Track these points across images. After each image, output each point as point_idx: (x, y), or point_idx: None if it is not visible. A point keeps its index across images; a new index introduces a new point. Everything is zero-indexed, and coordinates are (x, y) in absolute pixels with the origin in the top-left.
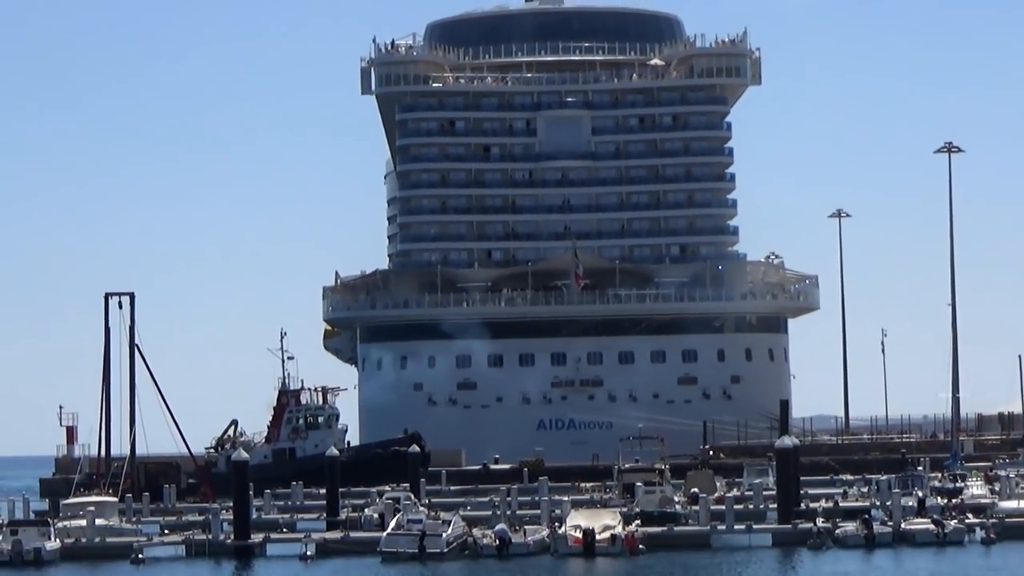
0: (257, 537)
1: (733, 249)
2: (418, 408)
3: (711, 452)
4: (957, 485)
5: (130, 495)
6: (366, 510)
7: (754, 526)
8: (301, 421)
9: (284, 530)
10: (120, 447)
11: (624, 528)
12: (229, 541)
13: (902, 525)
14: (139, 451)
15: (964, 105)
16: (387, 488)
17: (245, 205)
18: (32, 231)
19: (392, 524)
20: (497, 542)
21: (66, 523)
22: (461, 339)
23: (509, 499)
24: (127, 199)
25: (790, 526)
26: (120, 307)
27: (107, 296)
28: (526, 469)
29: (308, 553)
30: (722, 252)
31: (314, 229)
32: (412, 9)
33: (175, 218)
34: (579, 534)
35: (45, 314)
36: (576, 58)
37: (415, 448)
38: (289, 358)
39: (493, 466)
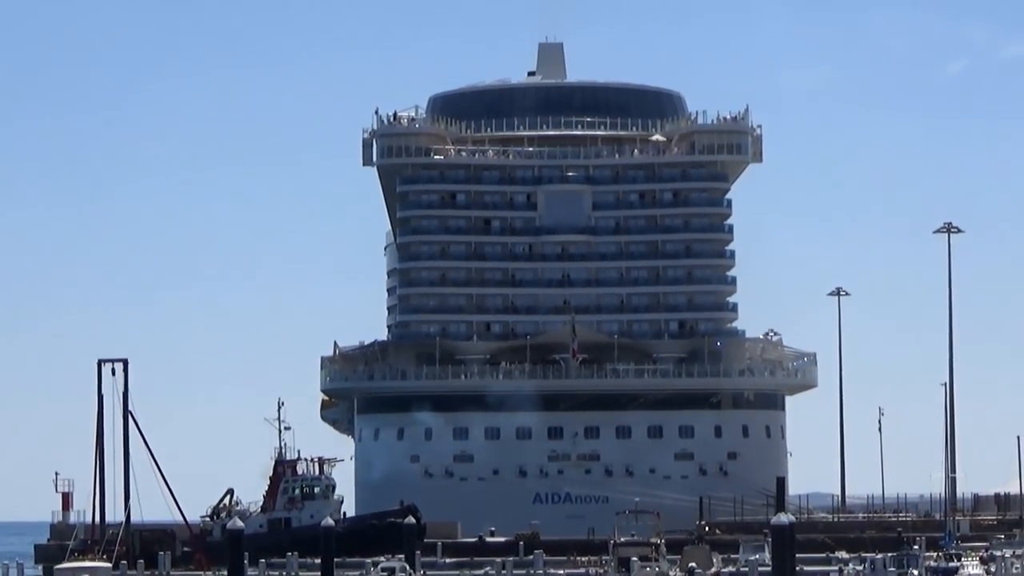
0: None
1: (732, 326)
2: (414, 480)
3: (707, 528)
4: (951, 565)
5: (125, 562)
6: None
7: None
8: (297, 491)
9: None
10: (115, 514)
11: None
12: None
13: None
14: (134, 518)
15: (964, 185)
16: (382, 559)
17: (244, 273)
18: (27, 297)
19: None
20: None
21: None
22: (458, 411)
23: (504, 572)
24: (122, 265)
25: None
26: (113, 374)
27: (100, 362)
28: (522, 542)
29: None
30: (721, 328)
31: (313, 299)
32: (415, 81)
33: (171, 285)
34: None
35: (40, 380)
36: (578, 133)
37: (411, 520)
38: (286, 428)
39: (489, 539)
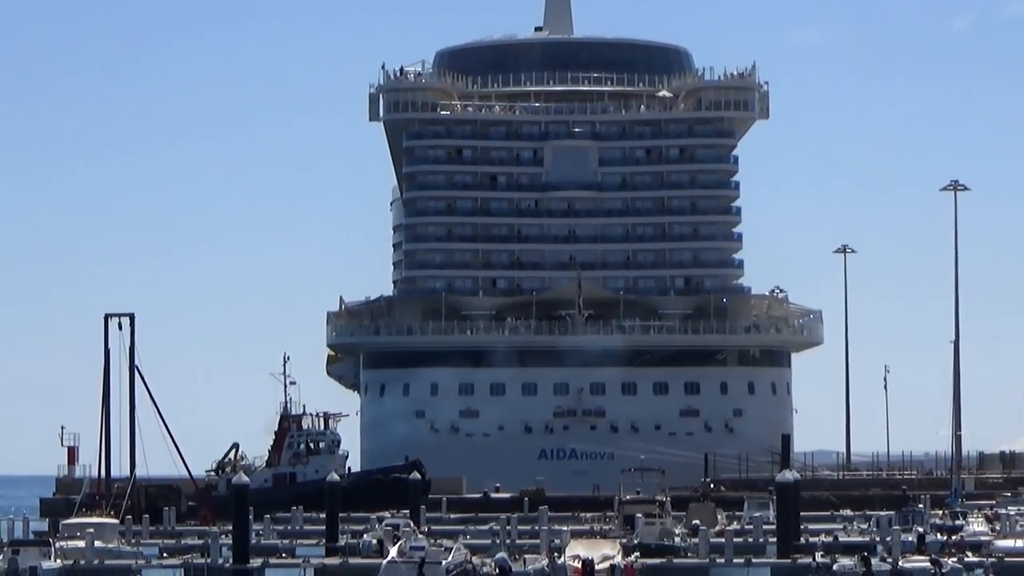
0: (256, 562)
1: (738, 282)
2: (420, 435)
3: (712, 485)
4: (957, 523)
5: (130, 517)
6: (365, 536)
7: (753, 560)
8: (302, 446)
9: (283, 555)
10: (120, 469)
11: (623, 559)
12: (228, 565)
13: (900, 563)
14: (139, 473)
15: (970, 143)
16: (387, 515)
17: (250, 228)
18: (33, 251)
19: (394, 551)
20: (497, 571)
21: (64, 543)
22: (464, 367)
23: (509, 528)
24: (128, 219)
25: (789, 560)
26: (120, 328)
27: (107, 317)
28: (527, 498)
29: None
30: (726, 285)
31: (319, 254)
32: (421, 36)
33: (177, 239)
34: (578, 564)
35: (46, 334)
36: (584, 88)
37: (416, 475)
38: (291, 383)
39: (494, 495)
